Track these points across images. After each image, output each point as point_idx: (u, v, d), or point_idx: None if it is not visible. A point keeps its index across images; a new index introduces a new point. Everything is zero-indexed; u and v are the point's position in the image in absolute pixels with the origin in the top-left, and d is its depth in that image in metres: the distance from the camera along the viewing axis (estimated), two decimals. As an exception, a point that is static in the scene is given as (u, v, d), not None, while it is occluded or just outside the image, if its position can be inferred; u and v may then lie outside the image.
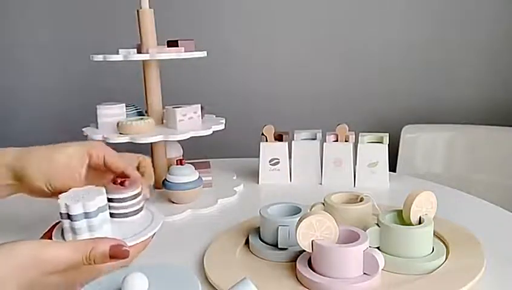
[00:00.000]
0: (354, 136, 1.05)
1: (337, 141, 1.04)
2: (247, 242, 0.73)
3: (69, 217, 0.53)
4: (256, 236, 0.72)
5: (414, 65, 1.76)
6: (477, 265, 0.61)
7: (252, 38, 1.83)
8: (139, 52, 0.99)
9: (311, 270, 0.59)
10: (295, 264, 0.62)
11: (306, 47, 1.81)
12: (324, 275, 0.58)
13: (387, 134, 1.03)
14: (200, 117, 1.01)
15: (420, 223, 0.65)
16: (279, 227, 0.67)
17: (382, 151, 1.02)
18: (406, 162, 1.51)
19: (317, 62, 1.81)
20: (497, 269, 0.62)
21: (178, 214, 0.89)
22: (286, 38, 1.81)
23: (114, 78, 1.76)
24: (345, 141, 1.04)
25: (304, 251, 0.61)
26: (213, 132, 0.98)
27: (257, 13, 1.81)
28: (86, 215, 0.53)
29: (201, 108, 1.02)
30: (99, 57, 0.96)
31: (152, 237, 0.58)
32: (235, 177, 1.11)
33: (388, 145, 1.02)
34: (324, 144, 1.04)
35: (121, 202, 0.58)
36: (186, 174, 0.92)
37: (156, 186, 1.01)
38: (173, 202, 0.94)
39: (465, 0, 1.69)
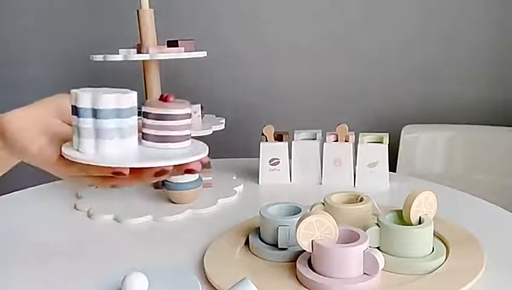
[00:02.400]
0: (354, 136, 1.05)
1: (337, 141, 1.04)
2: (247, 242, 0.73)
3: (94, 113, 0.43)
4: (256, 236, 0.72)
5: (414, 65, 1.76)
6: (477, 265, 0.61)
7: (252, 38, 1.83)
8: (139, 52, 0.99)
9: (311, 270, 0.59)
10: (295, 264, 0.62)
11: (306, 47, 1.81)
12: (324, 275, 0.58)
13: (387, 134, 1.03)
14: (200, 117, 1.01)
15: (420, 223, 0.65)
16: (279, 227, 0.67)
17: (382, 151, 1.02)
18: (406, 162, 1.51)
19: (317, 62, 1.81)
20: (497, 269, 0.62)
21: (178, 214, 0.89)
22: (286, 38, 1.81)
23: (114, 78, 1.76)
24: (345, 141, 1.03)
25: (304, 251, 0.61)
26: (213, 131, 0.98)
27: (257, 13, 1.81)
28: (95, 113, 0.43)
29: (201, 108, 1.02)
30: (99, 57, 0.96)
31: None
32: (235, 177, 1.11)
33: (388, 145, 1.02)
34: (324, 144, 1.04)
35: (161, 120, 0.46)
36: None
37: (156, 186, 1.01)
38: (173, 202, 0.94)
39: (464, 0, 1.69)
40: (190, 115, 0.48)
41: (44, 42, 1.90)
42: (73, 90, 0.44)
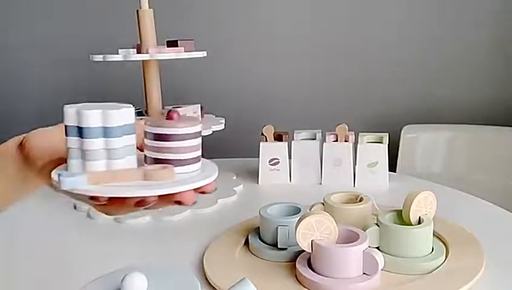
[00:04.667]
0: (354, 136, 1.05)
1: (337, 141, 1.04)
2: (246, 242, 0.73)
3: (80, 131, 0.38)
4: (256, 236, 0.72)
5: (414, 65, 1.76)
6: (477, 265, 0.61)
7: (251, 38, 1.83)
8: (139, 52, 0.99)
9: (310, 271, 0.59)
10: (295, 264, 0.62)
11: (306, 47, 1.81)
12: (323, 275, 0.58)
13: (387, 134, 1.03)
14: (200, 117, 1.01)
15: (420, 223, 0.65)
16: (279, 227, 0.67)
17: (381, 151, 1.02)
18: (406, 162, 1.51)
19: (317, 62, 1.81)
20: (496, 269, 0.62)
21: (178, 214, 0.89)
22: (286, 38, 1.81)
23: (114, 78, 1.76)
24: (345, 141, 1.03)
25: (304, 251, 0.61)
26: (213, 131, 0.98)
27: (257, 13, 1.81)
28: (106, 131, 0.38)
29: (201, 108, 1.02)
30: (99, 57, 0.96)
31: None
32: (235, 177, 1.11)
33: (388, 145, 1.02)
34: (324, 144, 1.04)
35: (160, 140, 0.40)
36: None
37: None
38: (173, 202, 0.94)
39: (464, 0, 1.69)
40: (199, 133, 0.41)
41: (43, 42, 1.90)
42: (70, 109, 0.39)
